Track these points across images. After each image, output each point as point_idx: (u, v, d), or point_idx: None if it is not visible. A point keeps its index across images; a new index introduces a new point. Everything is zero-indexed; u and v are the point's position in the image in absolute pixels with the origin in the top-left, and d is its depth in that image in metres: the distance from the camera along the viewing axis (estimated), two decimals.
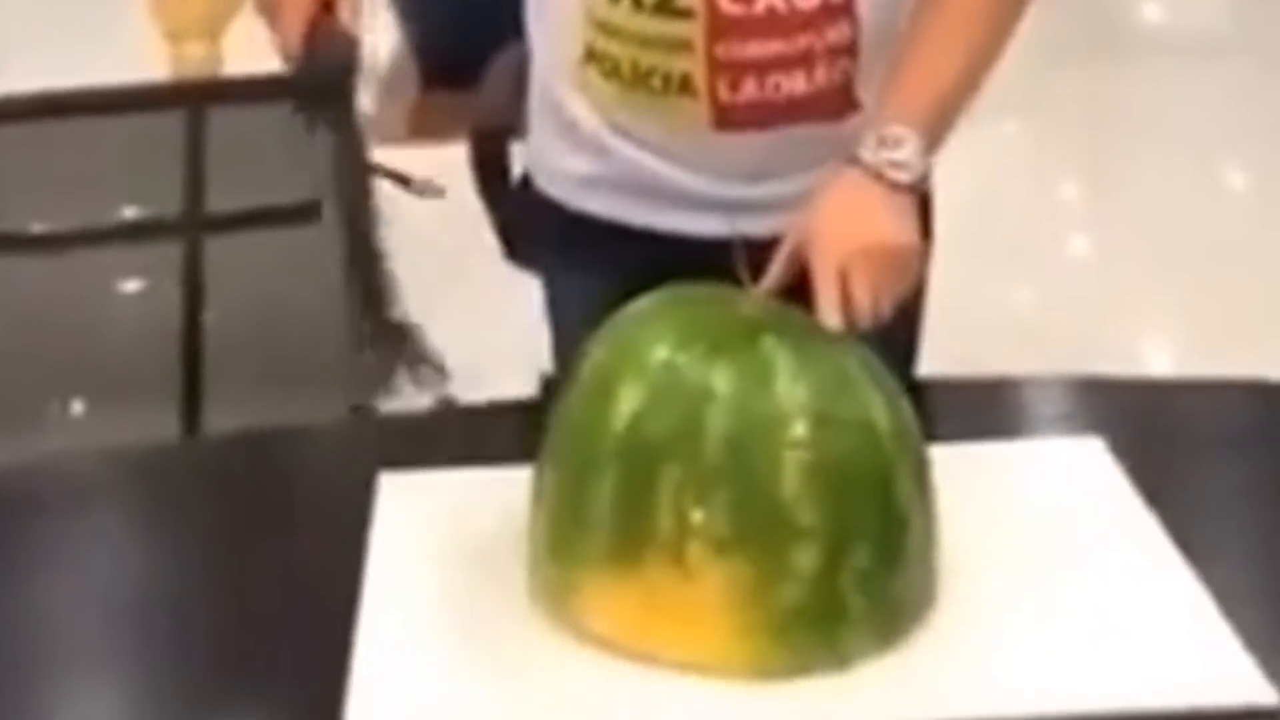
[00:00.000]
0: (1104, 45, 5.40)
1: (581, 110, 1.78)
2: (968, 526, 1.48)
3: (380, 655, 1.39)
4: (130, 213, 2.22)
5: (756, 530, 1.35)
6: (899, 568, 1.40)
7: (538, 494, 1.45)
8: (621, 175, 1.79)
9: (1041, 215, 4.37)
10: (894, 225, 1.55)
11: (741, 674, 1.35)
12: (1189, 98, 4.96)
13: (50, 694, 1.42)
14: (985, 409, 1.81)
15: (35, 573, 1.55)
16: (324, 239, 2.22)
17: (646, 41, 1.69)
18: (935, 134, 1.61)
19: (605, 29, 1.71)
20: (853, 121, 1.70)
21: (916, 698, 1.35)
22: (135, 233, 2.22)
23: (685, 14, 1.67)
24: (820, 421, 1.37)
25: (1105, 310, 3.82)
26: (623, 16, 1.69)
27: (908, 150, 1.57)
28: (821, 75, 1.71)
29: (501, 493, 1.51)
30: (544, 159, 1.88)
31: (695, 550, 1.35)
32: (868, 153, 1.57)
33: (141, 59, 3.93)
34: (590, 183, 1.82)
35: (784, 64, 1.69)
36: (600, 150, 1.79)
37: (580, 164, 1.82)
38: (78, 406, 2.24)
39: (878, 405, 1.40)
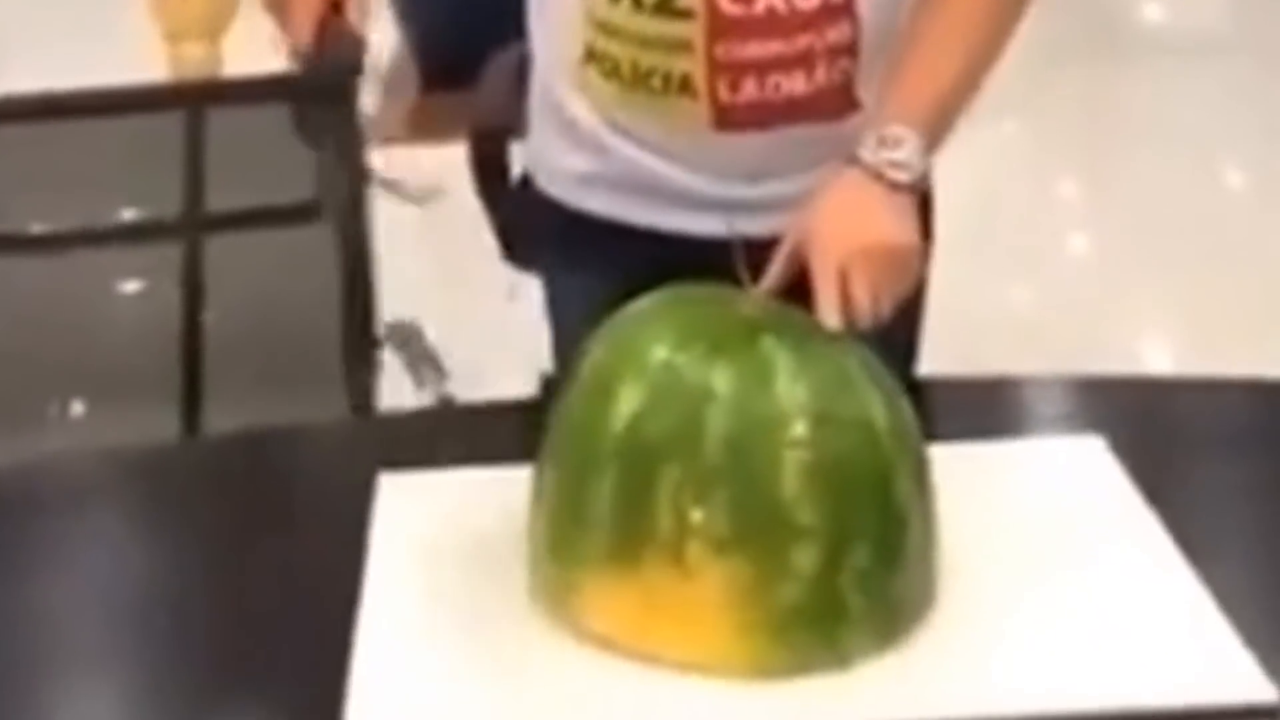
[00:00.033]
0: (1103, 45, 5.40)
1: (581, 110, 1.78)
2: (967, 526, 1.48)
3: (380, 655, 1.39)
4: (130, 213, 2.23)
5: (756, 530, 1.35)
6: (899, 567, 1.40)
7: (537, 494, 1.45)
8: (621, 174, 1.79)
9: (1041, 214, 4.37)
10: (894, 225, 1.55)
11: (741, 673, 1.35)
12: (1188, 97, 4.96)
13: (50, 694, 1.43)
14: (985, 408, 1.81)
15: (35, 573, 1.55)
16: (323, 239, 2.22)
17: (646, 41, 1.69)
18: (935, 134, 1.61)
19: (605, 29, 1.71)
20: (853, 121, 1.70)
21: (916, 697, 1.35)
22: (135, 233, 2.22)
23: (685, 14, 1.67)
24: (820, 421, 1.37)
25: (1105, 309, 3.82)
26: (623, 16, 1.69)
27: (907, 150, 1.57)
28: (821, 75, 1.71)
29: (501, 492, 1.51)
30: (544, 158, 1.88)
31: (695, 550, 1.35)
32: (867, 152, 1.57)
33: (141, 59, 3.93)
34: (589, 181, 1.82)
35: (784, 64, 1.69)
36: (600, 149, 1.79)
37: (580, 163, 1.82)
38: (78, 407, 2.24)
39: (877, 405, 1.40)
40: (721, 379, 1.38)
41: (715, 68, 1.68)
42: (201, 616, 1.49)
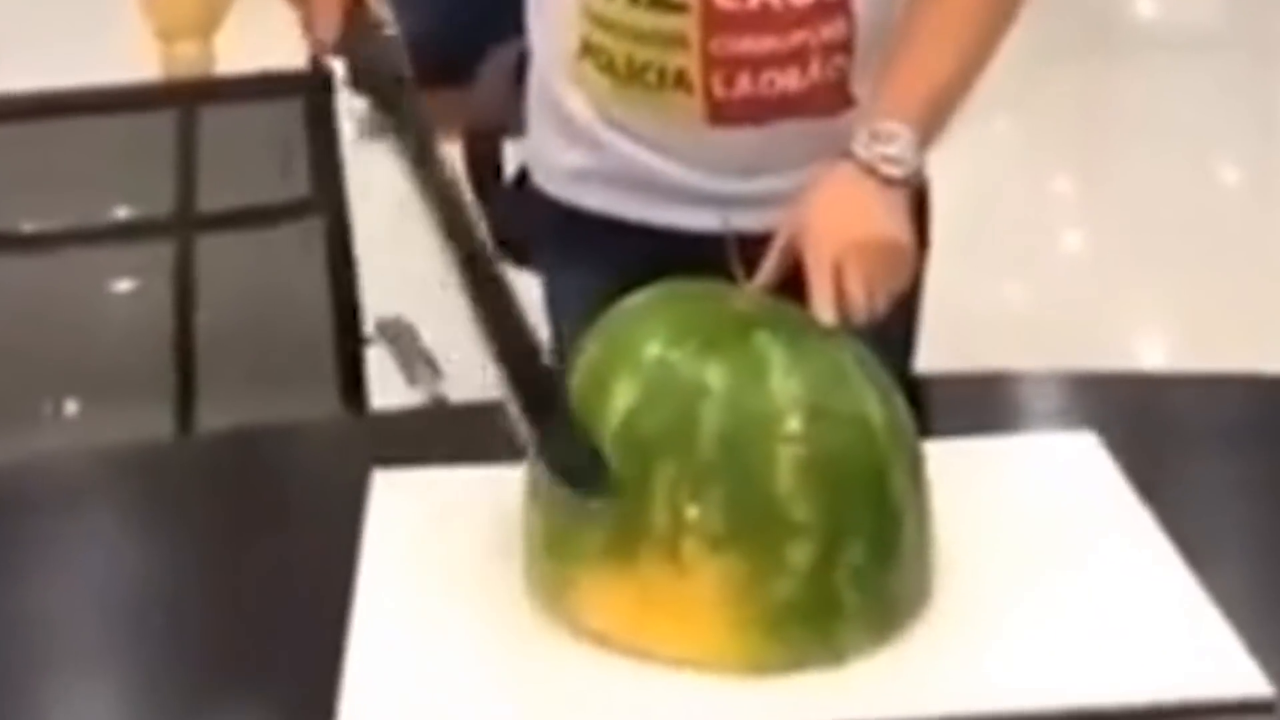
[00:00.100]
0: (1097, 41, 5.41)
1: (578, 104, 1.79)
2: (962, 522, 1.48)
3: (374, 652, 1.39)
4: (122, 212, 2.22)
5: (751, 526, 1.35)
6: (894, 563, 1.40)
7: (532, 490, 1.45)
8: (616, 169, 1.79)
9: (1035, 211, 4.38)
10: (887, 220, 1.55)
11: (736, 669, 1.35)
12: (1182, 93, 4.97)
13: (44, 693, 1.42)
14: (979, 404, 1.81)
15: (28, 572, 1.54)
16: (315, 237, 2.21)
17: (642, 36, 1.69)
18: (929, 129, 1.61)
19: (601, 23, 1.71)
20: (848, 117, 1.70)
21: (911, 693, 1.35)
22: (127, 232, 2.22)
23: (680, 9, 1.67)
24: (815, 417, 1.37)
25: (1099, 305, 3.83)
26: (618, 11, 1.69)
27: (901, 145, 1.57)
28: (816, 71, 1.71)
29: (495, 490, 1.51)
30: (542, 155, 1.88)
31: (690, 546, 1.34)
32: (861, 148, 1.57)
33: (133, 58, 3.93)
34: (585, 177, 1.82)
35: (778, 60, 1.69)
36: (595, 144, 1.79)
37: (576, 158, 1.82)
38: (71, 406, 2.24)
39: (872, 400, 1.40)
40: (716, 375, 1.38)
41: (710, 62, 1.68)
42: (195, 615, 1.49)
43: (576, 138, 1.81)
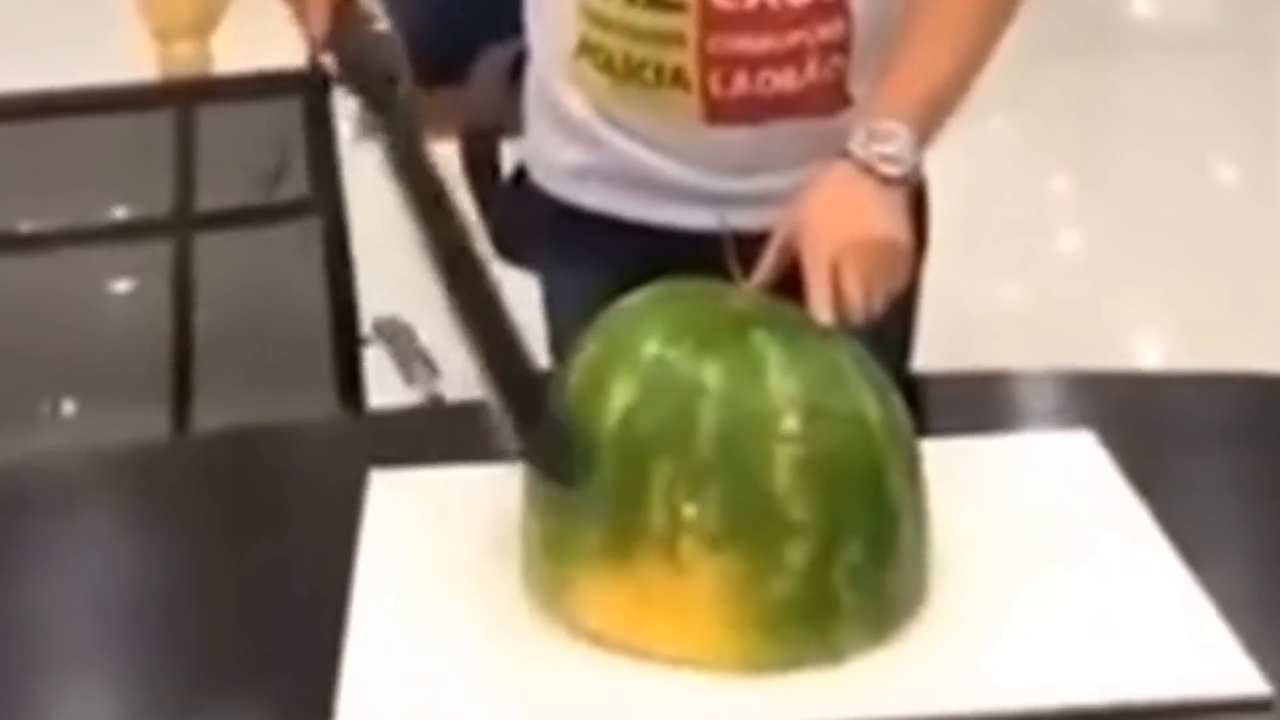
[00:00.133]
0: (1094, 40, 5.41)
1: (575, 102, 1.79)
2: (960, 521, 1.48)
3: (371, 652, 1.39)
4: (120, 212, 2.22)
5: (748, 525, 1.35)
6: (891, 562, 1.40)
7: (530, 489, 1.45)
8: (613, 167, 1.79)
9: (1032, 210, 4.38)
10: (884, 219, 1.55)
11: (734, 668, 1.35)
12: (1179, 92, 4.97)
13: (41, 693, 1.42)
14: (976, 403, 1.81)
15: (25, 572, 1.54)
16: (313, 237, 2.21)
17: (639, 34, 1.70)
18: (926, 128, 1.61)
19: (599, 21, 1.71)
20: (845, 117, 1.70)
21: (909, 692, 1.35)
22: (125, 232, 2.22)
23: (678, 7, 1.67)
24: (812, 416, 1.37)
25: (1096, 304, 3.83)
26: (616, 9, 1.69)
27: (898, 144, 1.57)
28: (813, 71, 1.71)
29: (492, 490, 1.51)
30: (540, 153, 1.88)
31: (687, 545, 1.34)
32: (858, 147, 1.57)
33: (130, 58, 3.93)
34: (583, 175, 1.82)
35: (775, 60, 1.69)
36: (593, 141, 1.80)
37: (574, 156, 1.82)
38: (68, 406, 2.24)
39: (869, 399, 1.40)
40: (713, 374, 1.38)
41: (707, 61, 1.68)
42: (192, 614, 1.49)
43: (574, 135, 1.81)
